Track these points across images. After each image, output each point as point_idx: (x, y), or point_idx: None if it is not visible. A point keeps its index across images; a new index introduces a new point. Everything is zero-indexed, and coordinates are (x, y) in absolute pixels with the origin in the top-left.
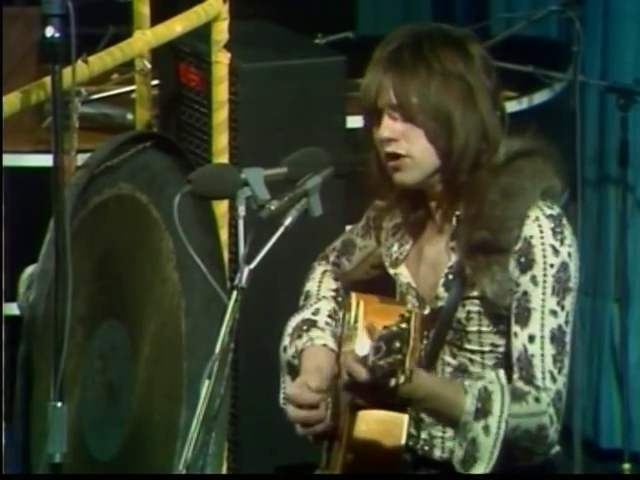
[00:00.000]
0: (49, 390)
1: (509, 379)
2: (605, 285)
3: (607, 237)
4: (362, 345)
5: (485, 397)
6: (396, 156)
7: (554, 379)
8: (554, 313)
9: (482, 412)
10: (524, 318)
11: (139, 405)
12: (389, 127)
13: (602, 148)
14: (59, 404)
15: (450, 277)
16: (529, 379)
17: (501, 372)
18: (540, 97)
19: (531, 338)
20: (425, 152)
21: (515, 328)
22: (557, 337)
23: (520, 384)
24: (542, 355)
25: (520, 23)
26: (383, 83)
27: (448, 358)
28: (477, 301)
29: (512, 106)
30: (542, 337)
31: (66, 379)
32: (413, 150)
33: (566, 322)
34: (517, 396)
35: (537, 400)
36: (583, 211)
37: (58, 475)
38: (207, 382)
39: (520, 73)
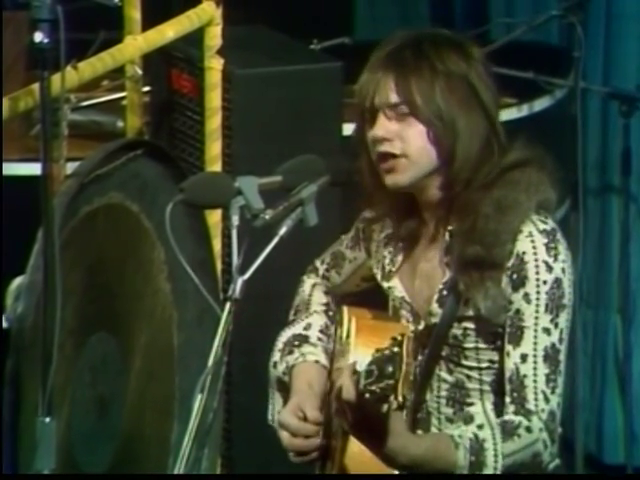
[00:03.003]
0: (37, 405)
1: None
2: (608, 296)
3: (609, 247)
4: (355, 363)
5: (477, 448)
6: (389, 157)
7: (547, 399)
8: (547, 331)
9: (476, 465)
10: (517, 337)
11: (130, 420)
12: (384, 126)
13: (604, 156)
14: (47, 419)
15: (444, 293)
16: (520, 403)
17: (488, 407)
18: (541, 104)
19: (523, 357)
20: (422, 151)
21: (508, 347)
22: (550, 356)
23: (510, 413)
24: (535, 375)
25: (520, 28)
26: (382, 82)
27: (444, 374)
28: (472, 319)
29: (512, 113)
30: (535, 356)
31: (55, 393)
32: (408, 149)
33: (560, 340)
34: (508, 432)
35: (528, 430)
36: (585, 221)
37: (57, 475)
38: (200, 396)
39: (520, 79)
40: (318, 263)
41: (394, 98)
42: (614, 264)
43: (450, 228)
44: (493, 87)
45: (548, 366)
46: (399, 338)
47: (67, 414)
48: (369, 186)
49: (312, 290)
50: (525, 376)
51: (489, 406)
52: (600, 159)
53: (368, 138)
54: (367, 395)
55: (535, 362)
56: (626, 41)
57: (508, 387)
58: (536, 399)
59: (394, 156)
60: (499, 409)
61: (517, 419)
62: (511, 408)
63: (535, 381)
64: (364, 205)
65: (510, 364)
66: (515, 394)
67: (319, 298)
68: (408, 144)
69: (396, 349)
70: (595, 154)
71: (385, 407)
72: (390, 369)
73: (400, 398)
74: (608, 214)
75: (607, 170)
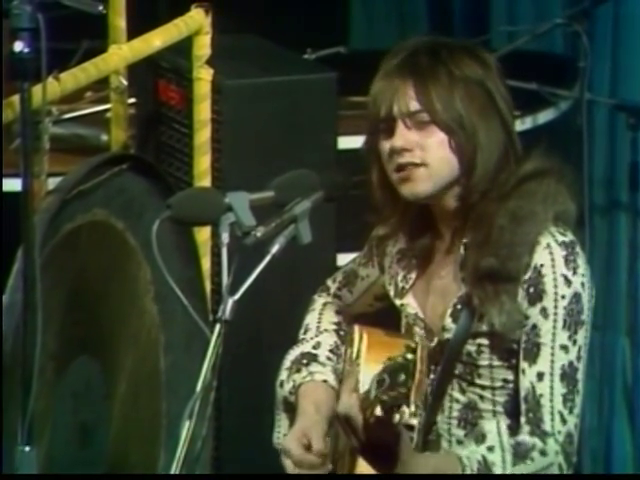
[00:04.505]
0: (17, 433)
1: (518, 419)
2: (615, 318)
3: (617, 266)
4: (364, 380)
5: (485, 473)
6: (408, 165)
7: (564, 420)
8: (565, 348)
9: None
10: (533, 354)
11: (114, 448)
12: (403, 136)
13: (611, 171)
14: (27, 448)
15: (458, 307)
16: (536, 423)
17: (503, 426)
18: (545, 116)
19: (540, 376)
20: (443, 161)
21: (523, 365)
22: (568, 374)
23: (525, 433)
24: (551, 395)
25: (523, 37)
26: (400, 89)
27: (457, 394)
28: (487, 335)
29: (515, 126)
30: (551, 375)
31: (35, 420)
32: (429, 159)
33: (578, 358)
34: (521, 455)
35: (543, 453)
36: (591, 238)
37: (58, 475)
38: (188, 423)
39: (523, 91)
40: (330, 282)
41: (414, 106)
42: (622, 284)
43: (465, 241)
44: (508, 95)
45: (565, 385)
46: (413, 345)
47: (48, 443)
48: (380, 201)
49: (323, 309)
50: (541, 395)
51: (503, 427)
52: (607, 174)
53: (383, 149)
54: (378, 409)
55: (552, 381)
56: (634, 50)
57: (524, 407)
58: (552, 420)
59: (414, 164)
60: (513, 431)
61: (532, 440)
62: (526, 428)
63: (552, 401)
64: (375, 220)
65: (526, 383)
66: (531, 414)
67: (330, 317)
68: (429, 153)
69: (410, 356)
70: (602, 169)
71: (397, 417)
72: (402, 377)
73: (413, 407)
74: (615, 231)
75: (614, 185)
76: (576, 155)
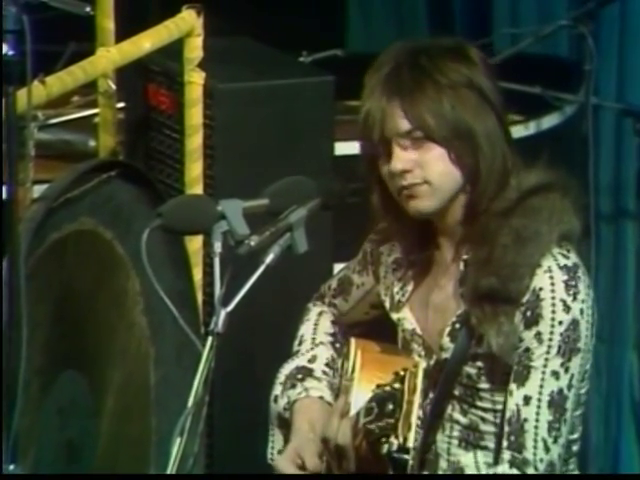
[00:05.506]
0: (0, 451)
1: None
2: (622, 330)
3: (624, 276)
4: (357, 400)
5: None
6: (411, 185)
7: (547, 449)
8: (556, 375)
9: None
10: (522, 376)
11: (102, 466)
12: (401, 158)
13: (618, 178)
14: (12, 467)
15: (457, 326)
16: (518, 449)
17: (481, 459)
18: (549, 121)
19: (526, 399)
20: (444, 175)
21: (511, 386)
22: (556, 402)
23: (505, 462)
24: (536, 420)
25: (526, 39)
26: (388, 110)
27: (458, 415)
28: (486, 358)
29: (518, 131)
30: (539, 400)
31: (20, 438)
32: (430, 176)
33: (569, 386)
34: None
35: None
36: (597, 248)
37: (63, 475)
38: (179, 439)
39: (527, 94)
40: (324, 289)
41: (405, 125)
42: (629, 295)
43: (465, 257)
44: (498, 88)
45: (552, 413)
46: (401, 373)
47: (33, 461)
48: (381, 213)
49: (318, 319)
50: (526, 420)
51: (481, 460)
52: (613, 181)
53: (383, 172)
54: (366, 435)
55: (539, 407)
56: None
57: (507, 429)
58: (535, 447)
59: (416, 184)
60: (495, 454)
61: (511, 472)
62: (507, 455)
63: (536, 427)
64: (373, 227)
65: (512, 404)
66: (513, 438)
67: (326, 328)
68: (429, 170)
69: (397, 385)
70: (608, 176)
71: (385, 447)
72: (390, 407)
73: (401, 439)
74: (622, 241)
75: (621, 193)
76: (581, 161)
